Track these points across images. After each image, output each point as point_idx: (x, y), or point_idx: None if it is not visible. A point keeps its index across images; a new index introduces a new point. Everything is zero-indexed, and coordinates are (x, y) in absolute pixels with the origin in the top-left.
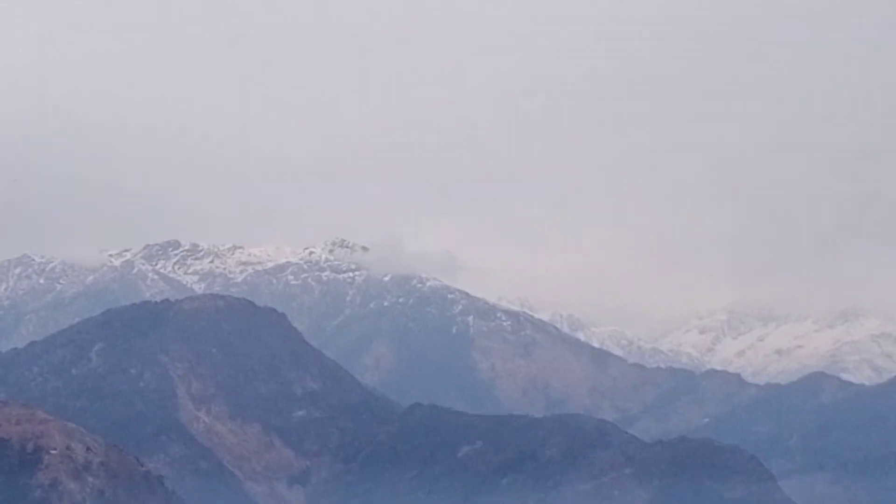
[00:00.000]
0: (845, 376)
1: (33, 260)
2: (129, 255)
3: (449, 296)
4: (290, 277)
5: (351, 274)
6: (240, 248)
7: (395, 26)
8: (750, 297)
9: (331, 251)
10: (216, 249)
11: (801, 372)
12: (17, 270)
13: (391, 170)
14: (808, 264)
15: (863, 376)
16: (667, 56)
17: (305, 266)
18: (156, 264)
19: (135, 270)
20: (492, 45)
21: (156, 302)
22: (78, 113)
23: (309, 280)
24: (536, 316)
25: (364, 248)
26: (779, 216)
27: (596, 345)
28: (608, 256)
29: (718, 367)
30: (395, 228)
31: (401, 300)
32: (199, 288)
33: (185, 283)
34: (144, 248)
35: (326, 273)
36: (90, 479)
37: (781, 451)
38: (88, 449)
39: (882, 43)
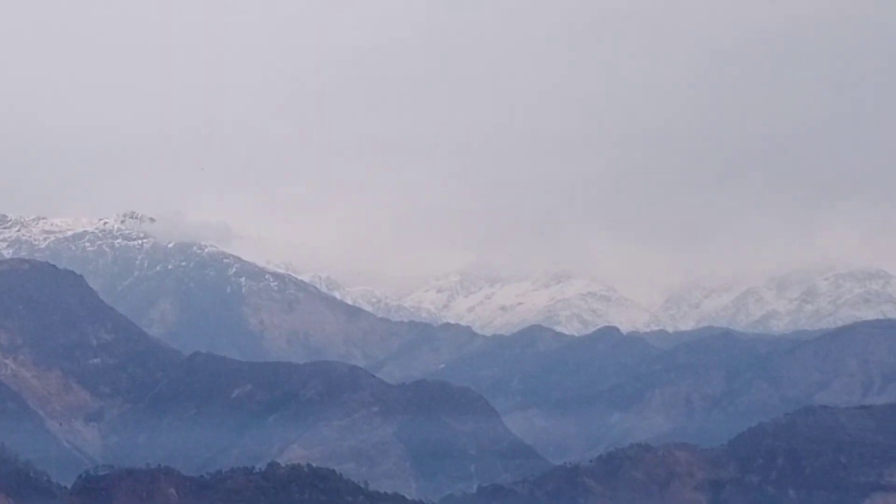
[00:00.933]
0: (558, 328)
1: None
2: None
3: (224, 260)
4: (87, 244)
5: (140, 241)
6: (43, 218)
7: (187, 21)
8: (479, 261)
9: (122, 221)
10: (22, 220)
11: (522, 325)
12: None
13: (175, 150)
14: (528, 234)
15: (573, 328)
16: (422, 56)
17: (100, 234)
18: None
19: None
20: (260, 42)
21: None
22: None
23: (103, 247)
24: (299, 277)
25: (151, 219)
26: (505, 193)
27: (350, 302)
28: (361, 226)
29: (452, 321)
30: (177, 202)
31: (183, 264)
32: (7, 253)
33: None
34: None
35: (118, 240)
36: None
37: (505, 391)
38: None
39: (593, 45)
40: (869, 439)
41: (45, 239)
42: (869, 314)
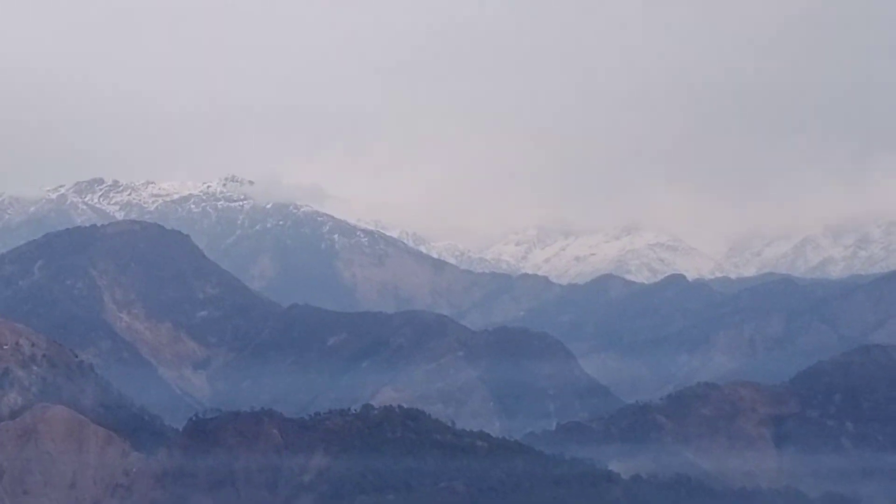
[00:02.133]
0: (629, 277)
1: None
2: (63, 190)
3: (318, 219)
4: (193, 206)
5: (240, 203)
6: (152, 183)
7: None
8: (554, 215)
9: (224, 185)
10: (133, 185)
11: (595, 274)
12: None
13: (270, 116)
14: (599, 189)
15: (642, 277)
16: (501, 25)
17: (204, 197)
18: (84, 197)
19: (68, 202)
20: (349, 8)
21: (85, 227)
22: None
23: (207, 208)
24: (388, 233)
25: (251, 182)
26: (577, 151)
27: (435, 255)
28: (444, 184)
29: (530, 272)
30: (274, 165)
31: (280, 223)
32: (120, 216)
33: (108, 211)
34: (75, 184)
35: (221, 202)
36: (35, 368)
37: (580, 336)
38: (33, 344)
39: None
40: None
41: (153, 202)
42: None
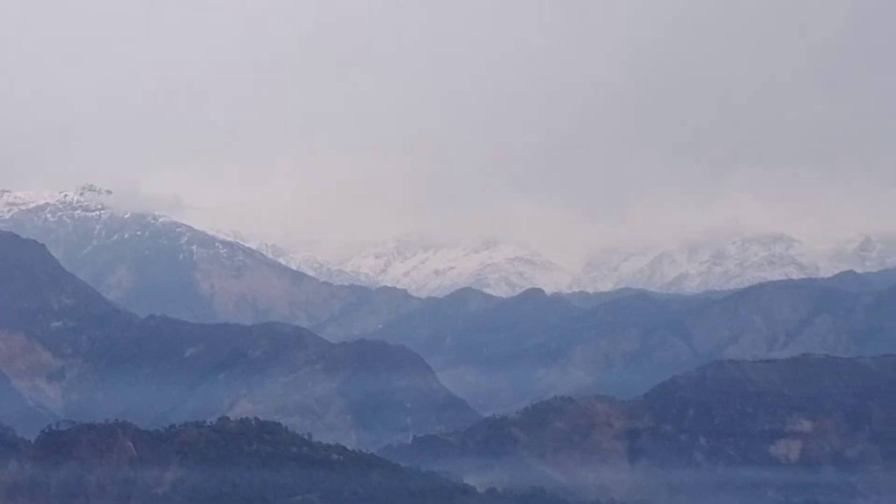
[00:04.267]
0: (487, 291)
1: None
2: None
3: (176, 229)
4: (49, 215)
5: (97, 212)
6: (7, 191)
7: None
8: (414, 228)
9: (81, 194)
10: None
11: (454, 288)
12: None
13: (129, 125)
14: (459, 203)
15: (501, 291)
16: (362, 33)
17: (61, 206)
18: None
19: None
20: (210, 16)
21: None
22: None
23: (64, 217)
24: (246, 244)
25: (108, 192)
26: (437, 164)
27: (294, 267)
28: (304, 196)
29: (389, 285)
30: (132, 175)
31: (138, 233)
32: None
33: None
34: None
35: (78, 212)
36: None
37: (438, 349)
38: None
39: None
40: (773, 390)
41: (8, 211)
42: (773, 275)
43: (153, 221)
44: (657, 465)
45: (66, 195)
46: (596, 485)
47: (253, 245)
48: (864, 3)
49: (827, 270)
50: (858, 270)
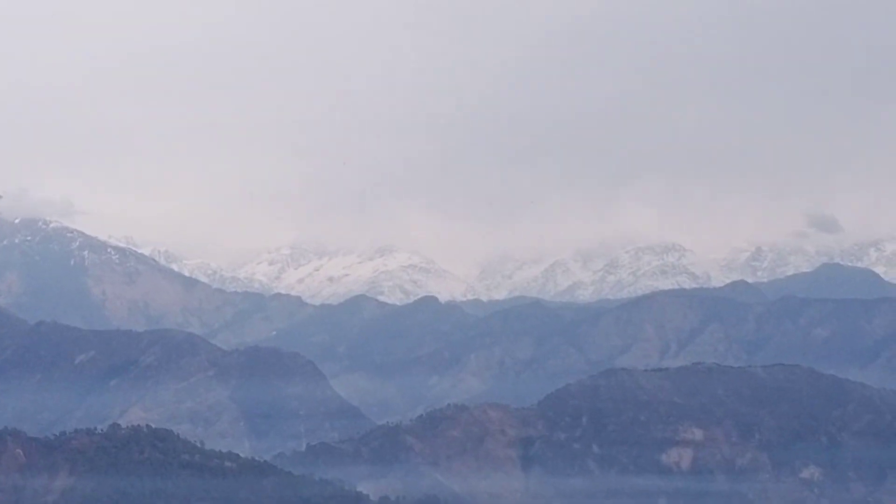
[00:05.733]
0: (382, 298)
1: None
2: None
3: (68, 234)
4: None
5: None
6: None
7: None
8: (309, 235)
9: None
10: None
11: (348, 295)
12: None
13: (18, 129)
14: (353, 210)
15: (395, 298)
16: (253, 40)
17: None
18: None
19: None
20: (104, 21)
21: None
22: None
23: None
24: (139, 251)
25: None
26: (332, 171)
27: (187, 274)
28: (198, 202)
29: (283, 292)
30: (23, 179)
31: (28, 238)
32: None
33: None
34: None
35: None
36: None
37: (332, 357)
38: None
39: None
40: (665, 399)
41: None
42: (666, 284)
43: (44, 226)
44: (550, 472)
45: None
46: (489, 492)
47: (145, 251)
48: (753, 13)
49: (718, 280)
50: (750, 280)
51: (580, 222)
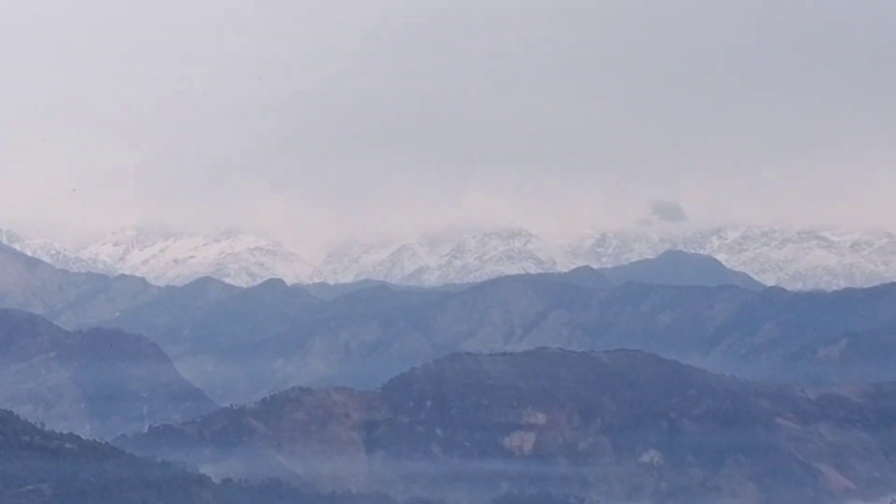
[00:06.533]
0: (227, 280)
1: None
2: None
3: None
4: None
5: None
6: None
7: None
8: (154, 216)
9: None
10: None
11: (193, 277)
12: None
13: None
14: (200, 192)
15: (241, 280)
16: (97, 20)
17: None
18: None
19: None
20: None
21: None
22: None
23: None
24: None
25: None
26: (178, 153)
27: (29, 253)
28: (41, 183)
29: (128, 273)
30: None
31: None
32: None
33: None
34: None
35: None
36: None
37: (176, 339)
38: None
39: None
40: (509, 383)
41: None
42: (511, 269)
43: None
44: (394, 456)
45: None
46: (332, 475)
47: None
48: (603, 2)
49: (564, 266)
50: (594, 266)
51: (427, 207)
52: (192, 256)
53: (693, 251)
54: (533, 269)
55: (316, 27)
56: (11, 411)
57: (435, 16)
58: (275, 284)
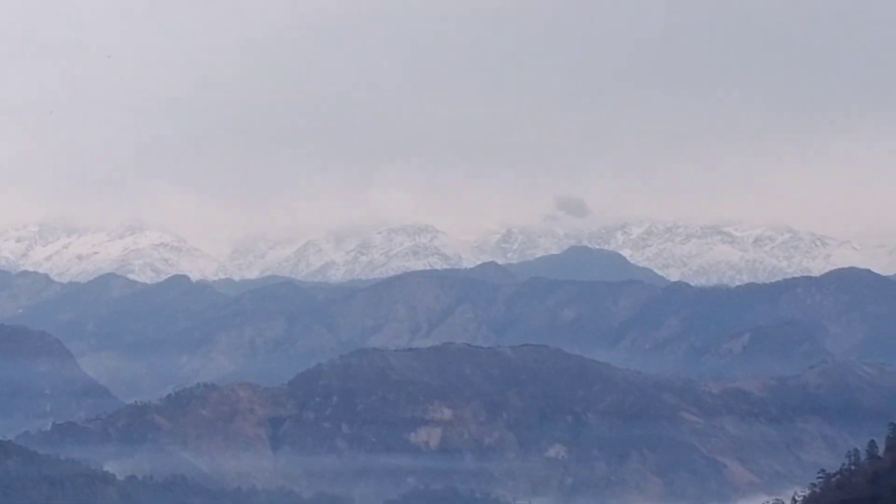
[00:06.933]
0: (132, 276)
1: None
2: None
3: None
4: None
5: None
6: None
7: None
8: (58, 212)
9: None
10: None
11: (97, 273)
12: None
13: None
14: (104, 188)
15: (146, 277)
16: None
17: None
18: None
19: None
20: None
21: None
22: None
23: None
24: None
25: None
26: (82, 150)
27: None
28: None
29: (31, 269)
30: None
31: None
32: None
33: None
34: None
35: None
36: None
37: (80, 335)
38: None
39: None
40: (415, 379)
41: None
42: (418, 265)
43: None
44: (299, 452)
45: None
46: (238, 472)
47: None
48: (501, 7)
49: (469, 261)
50: (500, 262)
51: (333, 203)
52: (95, 252)
53: (598, 247)
54: (439, 265)
55: (223, 25)
56: None
57: (342, 14)
58: (179, 280)
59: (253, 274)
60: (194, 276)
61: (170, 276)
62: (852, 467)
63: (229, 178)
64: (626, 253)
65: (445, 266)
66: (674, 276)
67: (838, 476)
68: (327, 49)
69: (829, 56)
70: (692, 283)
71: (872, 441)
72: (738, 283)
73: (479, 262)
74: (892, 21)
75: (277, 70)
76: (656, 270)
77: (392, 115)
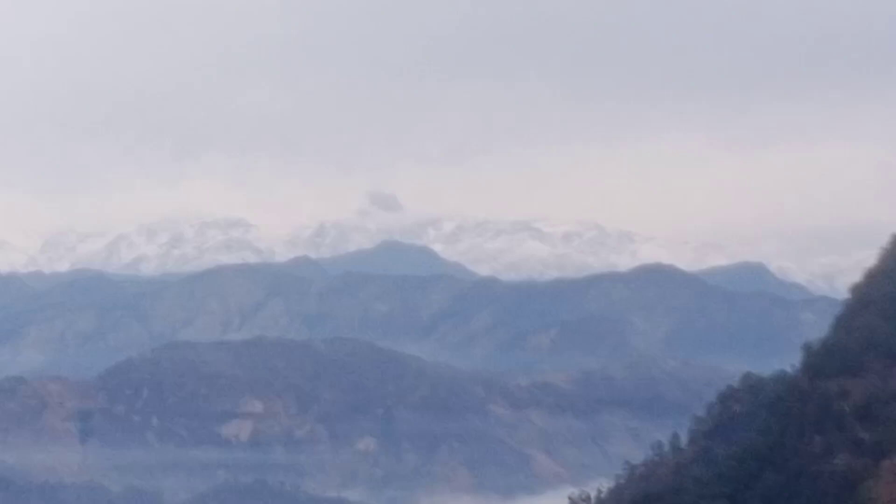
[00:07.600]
0: None
1: None
2: None
3: None
4: None
5: None
6: None
7: None
8: None
9: None
10: None
11: None
12: None
13: None
14: None
15: None
16: None
17: None
18: None
19: None
20: None
21: None
22: None
23: None
24: None
25: None
26: None
27: None
28: None
29: None
30: None
31: None
32: None
33: None
34: None
35: None
36: None
37: None
38: None
39: None
40: (227, 372)
41: None
42: (230, 259)
43: None
44: (108, 445)
45: None
46: (45, 465)
47: None
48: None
49: (282, 255)
50: (313, 256)
51: (145, 196)
52: None
53: (409, 242)
54: (252, 259)
55: (34, 16)
56: None
57: (155, 6)
58: None
59: (63, 267)
60: (3, 268)
61: None
62: (656, 459)
63: (39, 169)
64: (437, 248)
65: (258, 260)
66: (484, 271)
67: (643, 467)
68: (138, 41)
69: (639, 54)
70: (502, 278)
71: (676, 433)
72: (546, 278)
73: (291, 256)
74: (699, 22)
75: (88, 61)
76: (467, 265)
77: (202, 107)
